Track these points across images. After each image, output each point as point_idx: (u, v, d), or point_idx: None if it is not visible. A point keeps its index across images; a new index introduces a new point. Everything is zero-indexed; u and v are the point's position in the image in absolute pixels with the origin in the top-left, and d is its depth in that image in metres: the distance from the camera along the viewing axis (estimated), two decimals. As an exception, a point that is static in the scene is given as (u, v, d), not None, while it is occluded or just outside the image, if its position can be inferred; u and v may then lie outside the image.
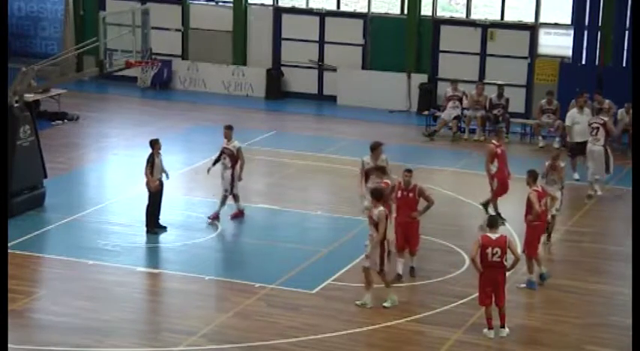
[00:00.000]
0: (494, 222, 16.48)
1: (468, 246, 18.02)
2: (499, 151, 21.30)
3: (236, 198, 21.46)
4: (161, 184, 20.70)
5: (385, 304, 17.27)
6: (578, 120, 25.18)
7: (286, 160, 26.29)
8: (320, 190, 24.23)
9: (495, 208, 21.28)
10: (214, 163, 21.51)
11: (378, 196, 17.13)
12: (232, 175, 21.26)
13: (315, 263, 19.35)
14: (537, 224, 18.41)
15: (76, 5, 35.08)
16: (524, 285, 18.25)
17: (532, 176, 18.59)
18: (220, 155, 21.41)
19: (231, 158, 21.28)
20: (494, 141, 21.76)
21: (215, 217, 21.30)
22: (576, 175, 24.74)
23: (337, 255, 19.65)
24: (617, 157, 25.03)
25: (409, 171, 18.62)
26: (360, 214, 19.92)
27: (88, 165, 26.02)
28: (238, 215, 21.55)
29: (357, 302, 17.34)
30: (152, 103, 32.28)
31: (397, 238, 18.39)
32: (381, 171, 19.47)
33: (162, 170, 20.69)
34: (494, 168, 21.31)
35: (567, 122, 25.49)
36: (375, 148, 19.67)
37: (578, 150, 24.97)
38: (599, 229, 21.88)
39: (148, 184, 20.51)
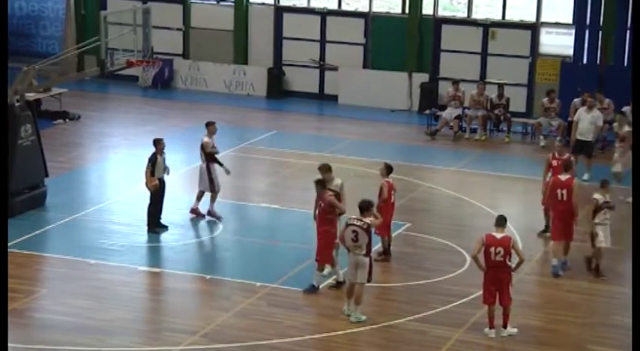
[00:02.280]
0: (501, 221, 16.47)
1: (469, 245, 18.02)
2: (555, 163, 21.02)
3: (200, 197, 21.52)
4: (163, 183, 20.69)
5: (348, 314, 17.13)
6: (582, 118, 25.19)
7: (287, 159, 26.27)
8: (321, 190, 24.17)
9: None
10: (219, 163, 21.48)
11: (364, 207, 16.90)
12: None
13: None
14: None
15: (77, 4, 35.04)
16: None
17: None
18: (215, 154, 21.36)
19: None
20: (555, 152, 21.52)
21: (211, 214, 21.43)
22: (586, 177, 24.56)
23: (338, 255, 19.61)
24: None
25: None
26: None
27: (89, 164, 26.00)
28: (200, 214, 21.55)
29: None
30: (153, 103, 32.26)
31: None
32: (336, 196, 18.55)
33: (165, 169, 20.68)
34: (547, 178, 20.87)
35: (575, 118, 25.55)
36: (322, 170, 18.98)
37: (578, 147, 24.96)
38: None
39: (146, 184, 20.49)
